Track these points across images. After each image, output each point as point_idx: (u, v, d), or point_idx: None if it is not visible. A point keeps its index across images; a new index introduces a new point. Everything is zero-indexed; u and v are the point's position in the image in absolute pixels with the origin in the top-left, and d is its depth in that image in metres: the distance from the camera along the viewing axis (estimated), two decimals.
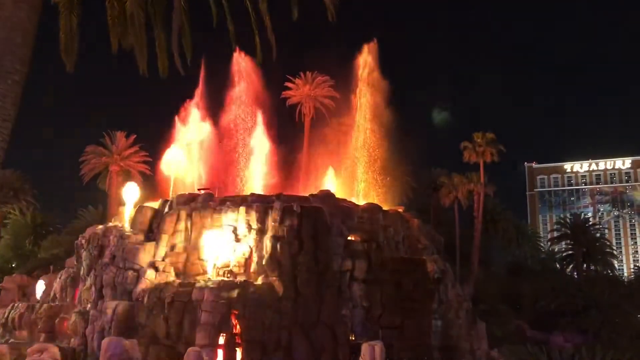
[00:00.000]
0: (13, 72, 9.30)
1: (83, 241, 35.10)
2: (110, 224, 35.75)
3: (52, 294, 37.11)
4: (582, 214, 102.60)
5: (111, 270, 31.18)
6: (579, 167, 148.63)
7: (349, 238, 31.38)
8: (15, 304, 36.37)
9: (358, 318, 29.63)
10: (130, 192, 36.69)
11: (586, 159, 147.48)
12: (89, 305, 31.43)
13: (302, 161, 54.43)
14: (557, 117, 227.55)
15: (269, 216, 30.67)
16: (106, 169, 55.76)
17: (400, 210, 38.05)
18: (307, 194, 35.07)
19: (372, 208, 34.40)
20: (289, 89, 58.81)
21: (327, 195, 34.15)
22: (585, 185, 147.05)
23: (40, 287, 38.09)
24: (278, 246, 29.63)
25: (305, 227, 30.22)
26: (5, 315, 35.50)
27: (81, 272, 34.11)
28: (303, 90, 58.31)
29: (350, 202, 35.40)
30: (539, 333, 41.82)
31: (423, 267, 31.99)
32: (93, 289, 31.78)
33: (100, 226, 35.88)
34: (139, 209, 34.32)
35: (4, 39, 9.21)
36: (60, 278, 36.91)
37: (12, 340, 32.89)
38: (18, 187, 60.38)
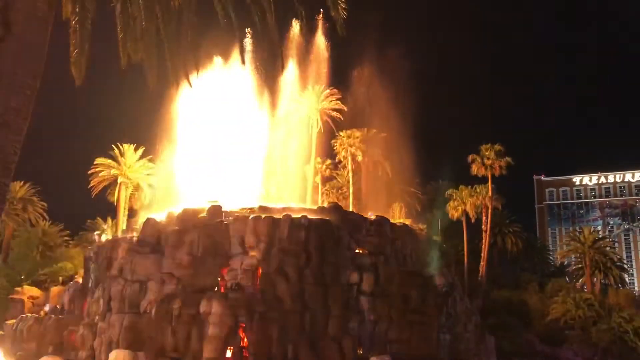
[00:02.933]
0: (25, 87, 9.42)
1: (91, 254, 35.24)
2: (119, 237, 35.87)
3: (60, 306, 37.20)
4: (592, 227, 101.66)
5: (119, 283, 31.22)
6: (588, 180, 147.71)
7: (357, 251, 31.36)
8: (24, 316, 36.46)
9: (366, 331, 29.52)
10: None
11: (595, 172, 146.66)
12: (97, 318, 31.46)
13: (310, 174, 54.46)
14: (566, 129, 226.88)
15: (276, 229, 30.68)
16: (115, 181, 56.03)
17: (408, 223, 37.98)
18: (315, 207, 35.11)
19: (380, 221, 34.36)
20: (297, 102, 58.89)
21: (335, 208, 34.15)
22: (595, 198, 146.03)
23: None
24: (285, 259, 29.61)
25: (313, 240, 30.22)
26: (14, 327, 35.58)
27: (89, 285, 34.20)
28: (311, 104, 58.43)
29: (358, 214, 35.37)
30: (549, 347, 41.46)
31: (431, 280, 31.87)
32: (101, 301, 31.82)
33: (109, 238, 36.02)
34: (147, 221, 34.43)
35: (16, 54, 9.35)
36: (68, 290, 37.01)
37: (20, 352, 32.93)
38: (28, 200, 60.77)
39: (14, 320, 36.88)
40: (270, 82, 44.05)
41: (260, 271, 30.01)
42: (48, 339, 33.09)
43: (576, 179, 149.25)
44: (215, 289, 29.73)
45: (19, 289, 42.05)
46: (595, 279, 62.22)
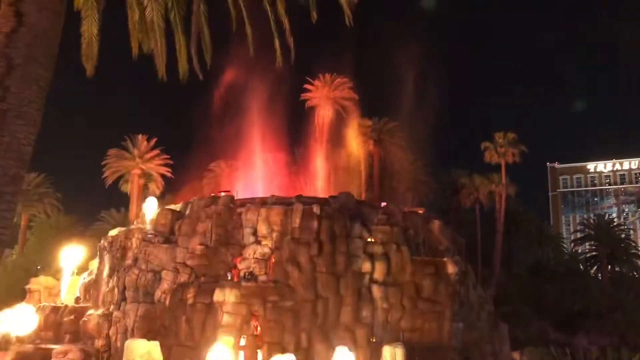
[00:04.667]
0: (38, 78, 9.50)
1: (106, 244, 35.57)
2: (133, 227, 36.15)
3: (76, 295, 37.65)
4: (606, 214, 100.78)
5: (133, 273, 31.52)
6: (603, 167, 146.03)
7: (369, 240, 31.33)
8: (41, 306, 36.93)
9: (378, 320, 29.57)
10: (150, 207, 37.27)
11: (610, 158, 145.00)
12: (112, 307, 31.82)
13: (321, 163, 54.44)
14: (580, 116, 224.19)
15: (289, 218, 30.75)
16: (128, 172, 56.44)
17: (420, 211, 37.90)
18: (326, 196, 35.12)
19: (392, 210, 34.31)
20: (308, 91, 58.87)
21: (347, 197, 34.13)
22: (609, 185, 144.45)
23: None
24: (298, 248, 29.70)
25: (325, 229, 30.26)
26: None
27: (104, 274, 34.54)
28: (322, 92, 58.32)
29: (370, 203, 35.34)
30: (563, 335, 41.31)
31: (444, 268, 31.80)
32: (116, 290, 32.16)
33: (123, 229, 36.31)
34: (161, 211, 34.67)
35: (29, 45, 9.41)
36: (84, 280, 37.41)
37: (38, 341, 33.42)
38: (43, 191, 61.41)
39: None
40: (281, 72, 43.91)
41: (273, 260, 30.14)
42: (64, 327, 33.55)
43: (590, 166, 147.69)
44: (229, 279, 29.91)
45: (35, 279, 42.54)
46: (610, 267, 61.84)
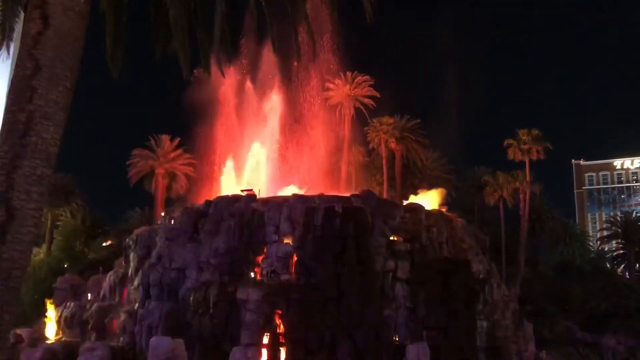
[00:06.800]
0: (64, 79, 9.61)
1: (130, 242, 35.99)
2: (157, 225, 36.50)
3: (102, 293, 38.17)
4: (634, 212, 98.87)
5: (158, 271, 31.82)
6: (630, 163, 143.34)
7: (392, 238, 31.20)
8: (68, 304, 37.51)
9: (402, 319, 29.43)
10: None
11: (637, 155, 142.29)
12: (137, 305, 32.18)
13: (343, 161, 54.38)
14: (605, 112, 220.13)
15: (311, 216, 30.76)
16: (152, 171, 56.99)
17: (443, 210, 37.63)
18: (349, 194, 35.06)
19: (415, 208, 34.13)
20: (329, 89, 58.77)
21: (369, 195, 34.04)
22: (637, 182, 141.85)
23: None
24: (321, 246, 29.68)
25: (347, 227, 30.20)
26: (59, 315, 36.68)
27: (129, 273, 34.95)
28: (343, 91, 58.16)
29: (392, 201, 35.18)
30: (590, 335, 40.65)
31: (468, 267, 31.54)
32: (141, 288, 32.52)
33: (147, 227, 36.69)
34: (184, 210, 34.95)
35: (55, 47, 9.54)
36: (109, 278, 37.92)
37: (65, 338, 33.97)
38: (69, 191, 62.34)
39: (58, 308, 38.01)
40: (302, 69, 44.00)
41: (296, 259, 30.17)
42: (91, 325, 34.04)
43: (617, 163, 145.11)
44: (252, 277, 30.03)
45: (62, 277, 43.21)
46: (638, 265, 60.75)
